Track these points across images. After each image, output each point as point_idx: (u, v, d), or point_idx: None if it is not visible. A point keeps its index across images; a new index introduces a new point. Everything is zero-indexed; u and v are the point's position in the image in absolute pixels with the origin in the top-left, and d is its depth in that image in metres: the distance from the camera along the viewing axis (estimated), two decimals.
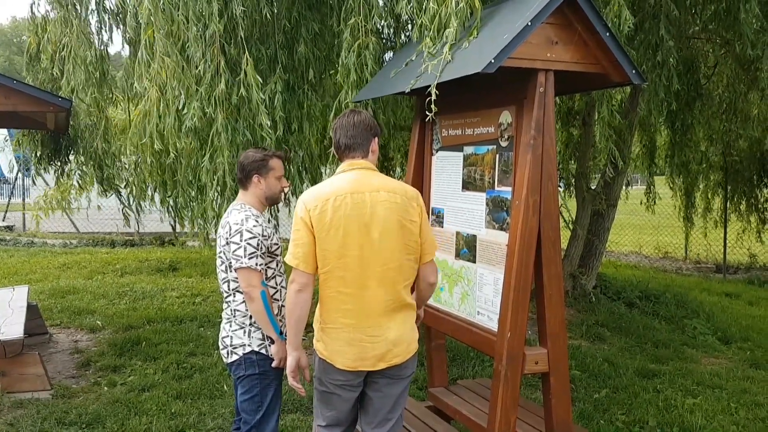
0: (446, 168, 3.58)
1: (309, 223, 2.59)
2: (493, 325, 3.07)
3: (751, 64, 6.33)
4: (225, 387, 4.82)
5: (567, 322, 4.87)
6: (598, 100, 5.39)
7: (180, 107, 4.50)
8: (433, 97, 2.97)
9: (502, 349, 2.90)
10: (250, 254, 2.92)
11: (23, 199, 15.50)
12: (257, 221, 3.02)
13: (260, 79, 4.38)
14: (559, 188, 8.18)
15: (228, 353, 3.07)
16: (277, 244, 3.11)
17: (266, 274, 3.05)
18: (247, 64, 4.33)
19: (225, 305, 3.13)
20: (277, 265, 3.13)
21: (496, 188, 3.15)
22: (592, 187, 7.74)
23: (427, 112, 3.03)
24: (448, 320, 3.48)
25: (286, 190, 3.26)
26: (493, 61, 2.65)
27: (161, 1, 4.42)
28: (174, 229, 12.32)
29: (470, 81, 2.97)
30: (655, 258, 12.56)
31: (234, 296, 3.05)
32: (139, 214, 7.26)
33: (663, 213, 10.68)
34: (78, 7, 6.03)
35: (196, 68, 4.45)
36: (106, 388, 4.88)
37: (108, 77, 6.06)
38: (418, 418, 3.66)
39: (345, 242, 2.57)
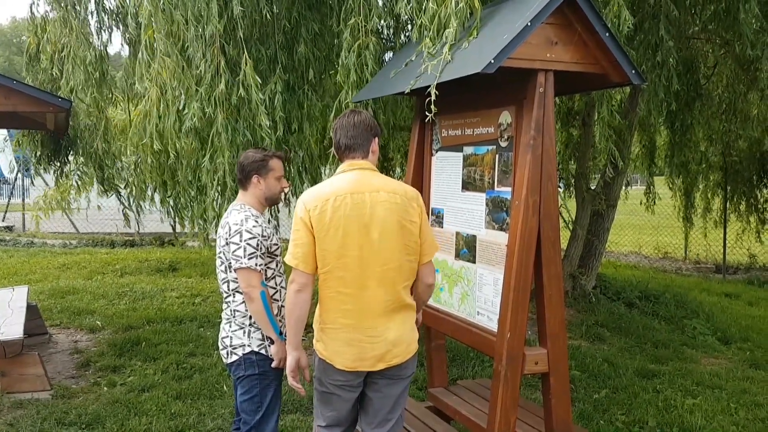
0: (446, 168, 3.58)
1: (308, 224, 2.59)
2: (493, 326, 3.07)
3: (750, 65, 6.34)
4: (225, 387, 4.82)
5: (567, 322, 4.87)
6: (597, 101, 5.40)
7: (181, 107, 4.50)
8: (433, 97, 2.97)
9: (502, 350, 2.90)
10: (249, 254, 2.92)
11: (23, 200, 15.50)
12: (257, 221, 3.01)
13: (259, 79, 4.38)
14: (559, 188, 8.18)
15: (228, 353, 3.07)
16: (276, 245, 3.10)
17: (266, 275, 3.05)
18: (246, 65, 4.33)
19: (225, 305, 3.13)
20: (276, 266, 3.13)
21: (496, 188, 3.15)
22: (592, 188, 7.74)
23: (427, 113, 3.03)
24: (448, 320, 3.48)
25: (285, 190, 3.26)
26: (492, 61, 2.65)
27: (161, 2, 4.42)
28: (174, 229, 12.32)
29: (470, 81, 2.97)
30: (654, 258, 12.56)
31: (234, 296, 3.05)
32: (139, 215, 7.26)
33: (663, 213, 10.68)
34: (77, 7, 6.04)
35: (197, 68, 4.45)
36: (105, 388, 4.88)
37: (107, 77, 6.07)
38: (418, 419, 3.66)
39: (344, 242, 2.57)
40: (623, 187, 8.08)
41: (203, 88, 4.42)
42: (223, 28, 4.38)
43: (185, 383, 4.92)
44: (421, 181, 3.76)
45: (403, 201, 2.64)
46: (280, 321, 3.04)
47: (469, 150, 3.37)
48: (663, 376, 5.43)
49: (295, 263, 2.60)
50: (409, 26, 5.07)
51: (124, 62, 6.12)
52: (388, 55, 5.17)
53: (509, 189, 3.03)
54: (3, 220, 15.71)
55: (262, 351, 3.04)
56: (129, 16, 5.12)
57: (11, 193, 17.83)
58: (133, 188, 6.78)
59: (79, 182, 6.98)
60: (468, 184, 3.38)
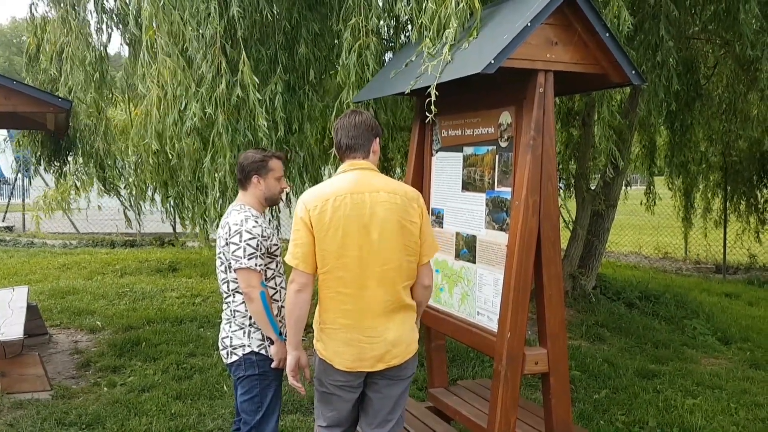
0: (446, 168, 3.58)
1: (308, 223, 2.59)
2: (493, 326, 3.07)
3: (750, 65, 6.34)
4: (225, 387, 4.82)
5: (567, 322, 4.87)
6: (597, 101, 5.40)
7: (182, 108, 4.50)
8: (433, 97, 2.97)
9: (502, 350, 2.90)
10: (249, 255, 2.93)
11: (23, 200, 15.50)
12: (257, 222, 3.02)
13: (257, 80, 4.37)
14: (559, 189, 8.18)
15: (228, 354, 3.07)
16: (276, 245, 3.11)
17: (266, 275, 3.05)
18: (244, 65, 4.33)
19: (225, 306, 3.13)
20: (276, 266, 3.13)
21: (496, 189, 3.15)
22: (592, 188, 7.74)
23: (427, 113, 3.03)
24: (448, 321, 3.48)
25: (285, 190, 3.26)
26: (492, 61, 2.65)
27: (162, 2, 4.42)
28: (174, 229, 12.32)
29: (470, 81, 2.97)
30: (654, 258, 12.56)
31: (234, 297, 3.05)
32: (139, 215, 7.26)
33: (663, 213, 10.68)
34: (77, 7, 6.03)
35: (198, 69, 4.46)
36: (105, 388, 4.88)
37: (107, 78, 6.06)
38: (418, 419, 3.67)
39: (344, 242, 2.57)
40: (623, 187, 8.08)
41: (204, 88, 4.42)
42: (223, 29, 4.38)
43: (185, 383, 4.93)
44: (421, 182, 3.76)
45: (403, 201, 2.64)
46: (280, 321, 3.04)
47: (469, 150, 3.38)
48: (663, 376, 5.43)
49: (295, 263, 2.60)
50: (409, 26, 5.07)
51: (124, 62, 6.11)
52: (388, 56, 5.17)
53: (509, 189, 3.04)
54: (3, 221, 15.72)
55: (262, 351, 3.04)
56: (129, 17, 5.12)
57: (11, 193, 17.83)
58: (134, 188, 6.78)
59: (78, 183, 6.97)
60: (468, 185, 3.38)
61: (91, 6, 6.05)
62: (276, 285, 3.12)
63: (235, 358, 3.05)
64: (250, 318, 3.02)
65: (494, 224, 3.16)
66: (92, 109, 6.20)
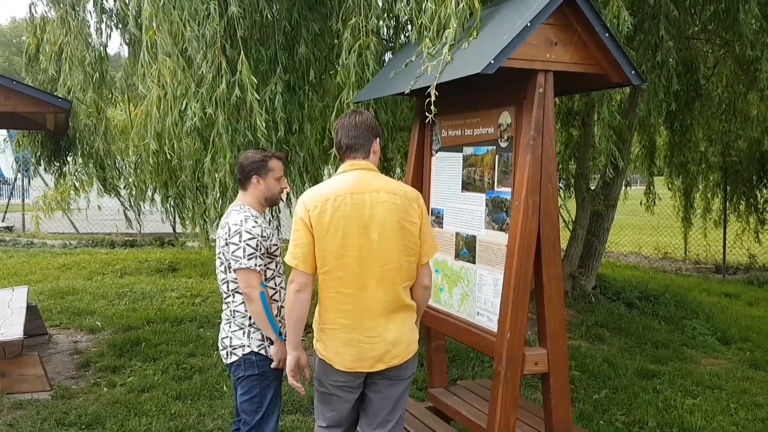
0: (446, 169, 3.58)
1: (308, 224, 2.59)
2: (493, 326, 3.07)
3: (750, 65, 6.34)
4: (224, 388, 4.82)
5: (566, 322, 4.88)
6: (597, 101, 5.40)
7: (183, 108, 4.50)
8: (433, 97, 2.97)
9: (502, 350, 2.90)
10: (249, 255, 2.92)
11: (23, 200, 15.50)
12: (256, 222, 3.02)
13: (255, 79, 4.37)
14: (559, 189, 8.18)
15: (227, 354, 3.07)
16: (276, 245, 3.10)
17: (265, 275, 3.05)
18: (243, 65, 4.33)
19: (224, 306, 3.13)
20: (276, 266, 3.13)
21: (496, 189, 3.15)
22: (592, 188, 7.75)
23: (427, 113, 3.03)
24: (448, 321, 3.48)
25: (285, 191, 3.26)
26: (492, 61, 2.65)
27: (161, 2, 4.42)
28: (174, 229, 12.32)
29: (470, 82, 2.97)
30: (654, 258, 12.56)
31: (233, 297, 3.05)
32: (139, 215, 7.26)
33: (662, 213, 10.68)
34: (76, 7, 6.03)
35: (198, 69, 4.45)
36: (105, 388, 4.88)
37: (107, 78, 6.06)
38: (418, 419, 3.67)
39: (344, 243, 2.57)
40: (623, 188, 8.09)
41: (204, 88, 4.42)
42: (223, 29, 4.38)
43: (185, 384, 4.92)
44: (420, 182, 3.76)
45: (403, 201, 2.64)
46: (279, 321, 3.04)
47: (468, 150, 3.38)
48: (663, 376, 5.43)
49: (295, 263, 2.60)
50: (409, 27, 5.07)
51: (124, 62, 6.11)
52: (388, 56, 5.18)
53: (509, 189, 3.04)
54: (3, 221, 15.72)
55: (262, 351, 3.04)
56: (129, 17, 5.12)
57: (11, 193, 17.83)
58: (133, 188, 6.78)
59: (77, 183, 6.97)
60: (468, 185, 3.38)
61: (90, 6, 6.05)
62: (276, 285, 3.12)
63: (234, 358, 3.05)
64: (250, 318, 3.02)
65: (494, 224, 3.16)
66: (92, 110, 6.19)
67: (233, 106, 4.44)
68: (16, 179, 16.66)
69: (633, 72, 2.92)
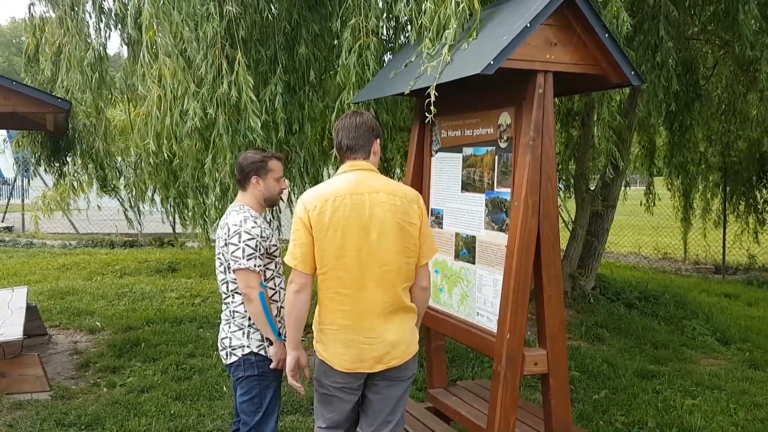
0: (445, 169, 3.58)
1: (308, 224, 2.59)
2: (493, 326, 3.07)
3: (750, 65, 6.34)
4: (224, 388, 4.82)
5: (566, 323, 4.88)
6: (597, 101, 5.40)
7: (183, 108, 4.50)
8: (433, 98, 2.97)
9: (502, 350, 2.90)
10: (248, 255, 2.93)
11: (22, 200, 15.50)
12: (256, 222, 3.02)
13: (251, 80, 4.36)
14: (559, 189, 8.18)
15: (227, 354, 3.07)
16: (275, 246, 3.10)
17: (265, 276, 3.05)
18: (239, 65, 4.32)
19: (224, 306, 3.13)
20: (275, 267, 3.13)
21: (496, 189, 3.15)
22: (591, 188, 7.75)
23: (427, 114, 3.03)
24: (448, 321, 3.48)
25: (284, 191, 3.26)
26: (492, 62, 2.65)
27: (161, 2, 4.42)
28: (174, 229, 12.32)
29: (469, 82, 2.97)
30: (654, 259, 12.57)
31: (233, 297, 3.05)
32: (139, 215, 7.27)
33: (662, 214, 10.68)
34: (75, 8, 6.03)
35: (198, 69, 4.45)
36: (105, 389, 4.88)
37: (107, 78, 6.06)
38: (418, 419, 3.67)
39: (343, 243, 2.57)
40: (622, 188, 8.09)
41: (205, 89, 4.42)
42: (224, 30, 4.38)
43: (185, 384, 4.92)
44: (420, 182, 3.76)
45: (402, 202, 2.64)
46: (279, 322, 3.04)
47: (468, 151, 3.38)
48: (662, 376, 5.43)
49: (294, 263, 2.60)
50: (409, 27, 5.08)
51: (123, 63, 6.11)
52: (388, 57, 5.18)
53: (509, 190, 3.04)
54: (2, 221, 15.72)
55: (262, 352, 3.04)
56: (128, 17, 5.12)
57: (11, 193, 17.83)
58: (133, 189, 6.78)
59: (76, 183, 6.97)
60: (467, 185, 3.38)
61: (89, 7, 6.05)
62: (275, 286, 3.12)
63: (234, 358, 3.05)
64: (250, 319, 3.02)
65: (494, 225, 3.16)
66: (91, 110, 6.19)
67: (233, 106, 4.44)
68: (15, 179, 16.65)
69: (632, 72, 2.92)
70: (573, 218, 8.08)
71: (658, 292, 8.09)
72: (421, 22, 3.45)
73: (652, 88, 5.29)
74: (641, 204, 9.58)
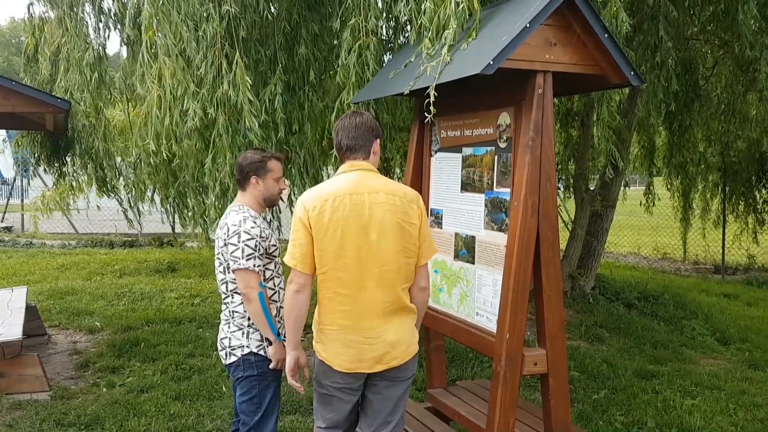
0: (445, 169, 3.58)
1: (307, 224, 2.59)
2: (492, 326, 3.07)
3: (749, 65, 6.34)
4: (224, 388, 4.82)
5: (566, 323, 4.87)
6: (597, 102, 5.40)
7: (183, 108, 4.50)
8: (432, 98, 2.97)
9: (501, 350, 2.90)
10: (247, 255, 2.93)
11: (22, 200, 15.50)
12: (255, 222, 3.02)
13: (249, 80, 4.36)
14: (558, 189, 8.18)
15: (226, 354, 3.07)
16: (275, 246, 3.10)
17: (264, 276, 3.05)
18: (236, 66, 4.32)
19: (223, 306, 3.13)
20: (275, 267, 3.13)
21: (495, 189, 3.15)
22: (591, 188, 7.75)
23: (426, 114, 3.03)
24: (447, 321, 3.48)
25: (284, 191, 3.26)
26: (491, 62, 2.65)
27: (161, 2, 4.41)
28: (173, 229, 12.33)
29: (469, 82, 2.97)
30: (653, 259, 12.57)
31: (232, 297, 3.05)
32: (139, 215, 7.27)
33: (662, 214, 10.68)
34: (74, 8, 6.03)
35: (198, 70, 4.45)
36: (104, 389, 4.88)
37: (106, 78, 6.06)
38: (417, 419, 3.67)
39: (343, 243, 2.57)
40: (622, 188, 8.09)
41: (205, 89, 4.42)
42: (224, 30, 4.38)
43: (184, 384, 4.92)
44: (420, 182, 3.76)
45: (402, 203, 2.64)
46: (278, 322, 3.04)
47: (468, 151, 3.38)
48: (662, 376, 5.43)
49: (294, 263, 2.60)
50: (409, 27, 5.08)
51: (123, 63, 6.11)
52: (388, 57, 5.18)
53: (508, 190, 3.04)
54: (2, 221, 15.71)
55: (261, 352, 3.03)
56: (126, 17, 5.12)
57: (10, 193, 17.83)
58: (133, 189, 6.78)
59: (74, 183, 6.97)
60: (467, 185, 3.38)
61: (88, 8, 6.05)
62: (275, 286, 3.12)
63: (233, 358, 3.05)
64: (249, 319, 3.02)
65: (493, 225, 3.16)
66: (90, 110, 6.19)
67: (233, 106, 4.44)
68: (15, 179, 16.65)
69: (632, 73, 2.92)
70: (572, 218, 8.08)
71: (658, 292, 8.10)
72: (421, 22, 3.45)
73: (652, 88, 5.30)
74: (641, 204, 9.58)
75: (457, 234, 3.46)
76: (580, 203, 7.66)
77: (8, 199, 17.27)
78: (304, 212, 2.60)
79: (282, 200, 3.41)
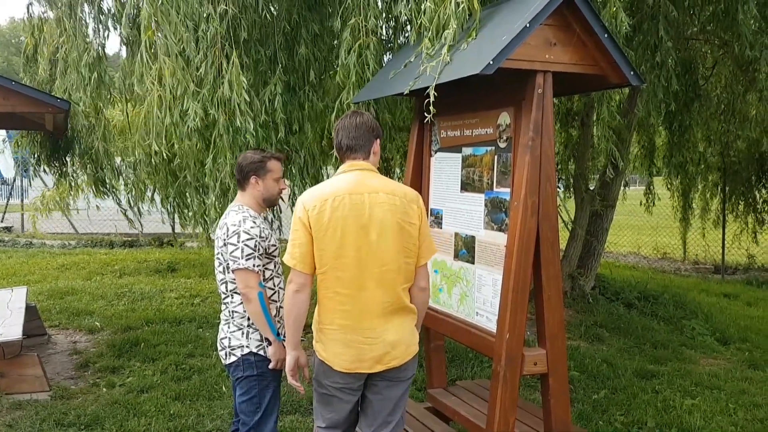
0: (445, 169, 3.58)
1: (307, 224, 2.59)
2: (492, 326, 3.07)
3: (749, 65, 6.34)
4: (224, 388, 4.82)
5: (566, 322, 4.88)
6: (597, 101, 5.40)
7: (183, 109, 4.50)
8: (432, 98, 2.97)
9: (501, 350, 2.90)
10: (247, 255, 2.93)
11: (22, 200, 15.50)
12: (255, 222, 3.02)
13: (245, 81, 4.35)
14: (558, 189, 8.18)
15: (226, 354, 3.07)
16: (274, 246, 3.11)
17: (264, 276, 3.05)
18: (233, 66, 4.31)
19: (223, 306, 3.13)
20: (274, 267, 3.13)
21: (495, 189, 3.15)
22: (591, 188, 7.75)
23: (426, 114, 3.03)
24: (447, 321, 3.48)
25: (284, 191, 3.26)
26: (491, 62, 2.65)
27: (160, 2, 4.41)
28: (173, 229, 12.32)
29: (469, 82, 2.97)
30: (653, 259, 12.57)
31: (232, 297, 3.05)
32: (140, 215, 7.26)
33: (661, 214, 10.68)
34: (74, 8, 6.02)
35: (197, 70, 4.45)
36: (104, 389, 4.88)
37: (106, 78, 6.06)
38: (417, 419, 3.67)
39: (342, 243, 2.57)
40: (622, 188, 8.09)
41: (206, 89, 4.42)
42: (224, 30, 4.38)
43: (184, 384, 4.92)
44: (420, 182, 3.76)
45: (402, 203, 2.64)
46: (278, 322, 3.04)
47: (467, 151, 3.38)
48: (662, 376, 5.43)
49: (293, 263, 2.60)
50: (408, 27, 5.08)
51: (122, 63, 6.11)
52: (387, 57, 5.18)
53: (508, 190, 3.04)
54: (2, 221, 15.71)
55: (261, 352, 3.03)
56: (124, 17, 5.11)
57: (10, 193, 17.83)
58: (133, 189, 6.78)
59: (72, 183, 6.97)
60: (467, 185, 3.38)
61: (87, 7, 6.05)
62: (274, 286, 3.12)
63: (233, 358, 3.05)
64: (249, 319, 3.02)
65: (493, 225, 3.16)
66: (89, 110, 6.19)
67: (234, 106, 4.43)
68: (15, 179, 16.65)
69: (632, 72, 2.92)
70: (572, 218, 8.08)
71: (658, 292, 8.10)
72: (421, 22, 3.45)
73: (652, 88, 5.30)
74: (641, 204, 9.58)
75: (456, 234, 3.45)
76: (580, 203, 7.66)
77: (8, 199, 17.27)
78: (303, 212, 2.60)
79: (282, 200, 3.41)
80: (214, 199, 4.70)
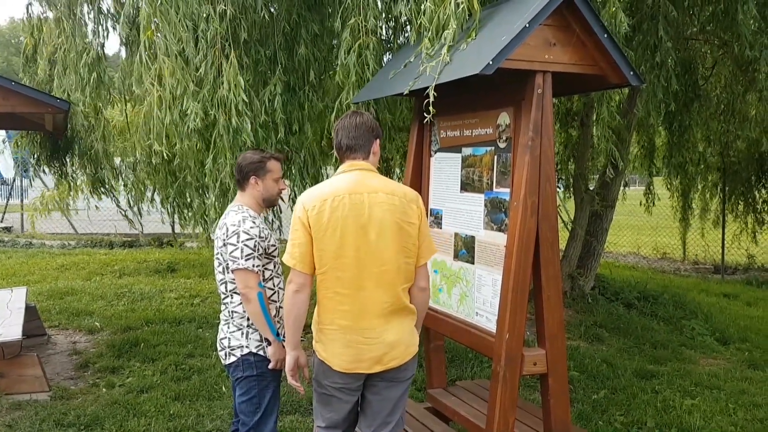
0: (444, 169, 3.59)
1: (306, 224, 2.59)
2: (492, 326, 3.07)
3: (749, 65, 6.35)
4: (223, 388, 4.82)
5: (565, 323, 4.88)
6: (596, 102, 5.40)
7: (183, 109, 4.50)
8: (431, 98, 2.97)
9: (501, 350, 2.90)
10: (246, 255, 2.92)
11: (21, 201, 15.49)
12: (254, 222, 3.02)
13: (242, 81, 4.35)
14: (558, 189, 8.18)
15: (226, 355, 3.07)
16: (274, 246, 3.11)
17: (263, 276, 3.05)
18: (230, 66, 4.31)
19: (223, 307, 3.13)
20: (274, 267, 3.13)
21: (495, 189, 3.15)
22: (591, 188, 7.75)
23: (425, 114, 3.03)
24: (447, 321, 3.48)
25: (283, 192, 3.26)
26: (491, 62, 2.65)
27: (159, 2, 4.41)
28: (173, 230, 12.32)
29: (468, 82, 2.97)
30: (653, 259, 12.57)
31: (232, 298, 3.05)
32: (141, 215, 7.26)
33: (661, 214, 10.68)
34: (73, 8, 6.02)
35: (197, 70, 4.45)
36: (104, 389, 4.88)
37: (105, 78, 6.06)
38: (417, 420, 3.67)
39: (342, 243, 2.57)
40: (621, 188, 8.09)
41: (206, 89, 4.42)
42: (225, 30, 4.38)
43: (184, 384, 4.92)
44: (419, 182, 3.76)
45: (401, 203, 2.64)
46: (277, 322, 3.04)
47: (467, 151, 3.38)
48: (661, 376, 5.43)
49: (293, 263, 2.60)
50: (408, 27, 5.08)
51: (121, 63, 6.11)
52: (387, 57, 5.17)
53: (508, 190, 3.04)
54: (2, 221, 15.70)
55: (261, 352, 3.03)
56: (123, 17, 5.11)
57: (10, 193, 17.83)
58: (133, 189, 6.78)
59: (70, 183, 6.96)
60: (467, 185, 3.38)
61: (86, 7, 6.04)
62: (274, 286, 3.12)
63: (233, 359, 3.05)
64: (248, 319, 3.02)
65: (493, 225, 3.16)
66: (89, 110, 6.19)
67: (234, 107, 4.43)
68: (14, 180, 16.65)
69: (632, 73, 2.92)
70: (572, 218, 8.08)
71: (657, 292, 8.10)
72: (421, 22, 3.44)
73: (651, 88, 5.30)
74: (640, 204, 9.58)
75: (456, 234, 3.46)
76: (580, 203, 7.66)
77: (8, 199, 17.27)
78: (303, 212, 2.60)
79: (282, 200, 3.41)
80: (213, 199, 4.70)
